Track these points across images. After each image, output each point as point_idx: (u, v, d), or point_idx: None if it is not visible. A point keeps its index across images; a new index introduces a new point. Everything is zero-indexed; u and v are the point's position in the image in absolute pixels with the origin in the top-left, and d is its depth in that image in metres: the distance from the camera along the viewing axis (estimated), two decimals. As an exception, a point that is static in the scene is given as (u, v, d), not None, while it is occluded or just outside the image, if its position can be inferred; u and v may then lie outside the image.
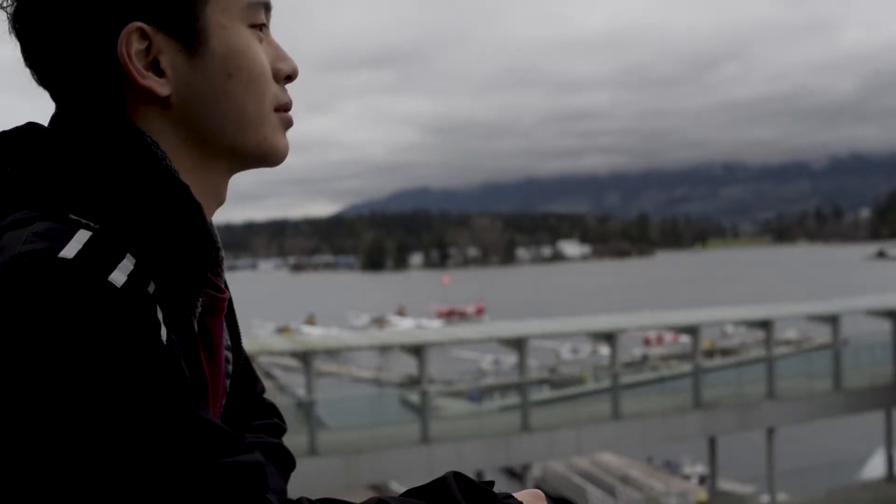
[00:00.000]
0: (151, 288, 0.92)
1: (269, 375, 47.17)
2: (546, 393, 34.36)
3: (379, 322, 75.59)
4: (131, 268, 0.90)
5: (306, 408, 24.37)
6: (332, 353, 38.27)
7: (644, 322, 33.26)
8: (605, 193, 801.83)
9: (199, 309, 1.03)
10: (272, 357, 42.75)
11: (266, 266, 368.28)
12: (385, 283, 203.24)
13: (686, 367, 31.44)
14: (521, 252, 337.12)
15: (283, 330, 66.95)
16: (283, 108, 1.10)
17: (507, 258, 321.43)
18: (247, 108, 1.05)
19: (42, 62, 1.02)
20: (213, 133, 1.06)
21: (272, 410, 1.43)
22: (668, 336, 50.95)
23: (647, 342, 53.18)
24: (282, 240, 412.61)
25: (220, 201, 1.14)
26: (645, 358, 48.50)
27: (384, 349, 36.62)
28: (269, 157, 1.11)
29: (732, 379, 30.39)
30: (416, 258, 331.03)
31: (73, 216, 0.91)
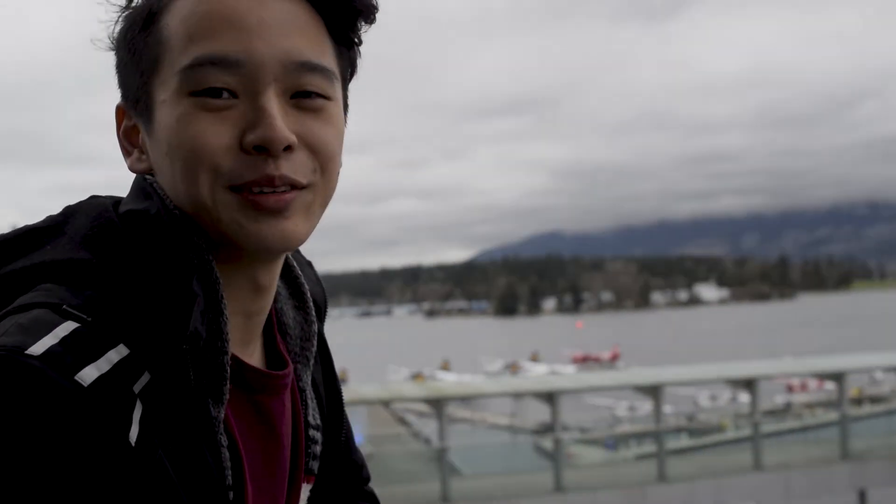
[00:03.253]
0: (145, 380, 0.88)
1: (402, 421, 47.42)
2: (684, 441, 33.44)
3: (512, 368, 75.18)
4: (116, 360, 0.85)
5: (439, 454, 24.35)
6: (466, 399, 38.29)
7: (786, 368, 32.14)
8: (743, 235, 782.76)
9: (227, 395, 0.96)
10: (405, 403, 43.03)
11: (400, 312, 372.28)
12: (518, 329, 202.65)
13: (832, 416, 30.16)
14: (657, 296, 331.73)
15: (416, 376, 67.33)
16: (253, 183, 0.94)
17: (642, 302, 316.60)
18: (183, 187, 0.96)
19: None
20: (179, 205, 0.99)
21: (372, 499, 1.39)
22: (813, 383, 49.07)
23: (790, 389, 51.38)
24: (416, 285, 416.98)
25: (246, 300, 1.04)
26: (788, 405, 46.77)
27: (518, 396, 36.38)
28: (238, 243, 0.97)
29: (884, 428, 28.99)
30: (550, 303, 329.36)
31: (66, 307, 0.87)
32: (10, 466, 0.77)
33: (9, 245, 0.96)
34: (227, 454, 0.95)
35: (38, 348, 0.81)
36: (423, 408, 45.30)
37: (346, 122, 1.06)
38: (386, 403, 43.49)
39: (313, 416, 1.15)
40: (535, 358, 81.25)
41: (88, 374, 0.82)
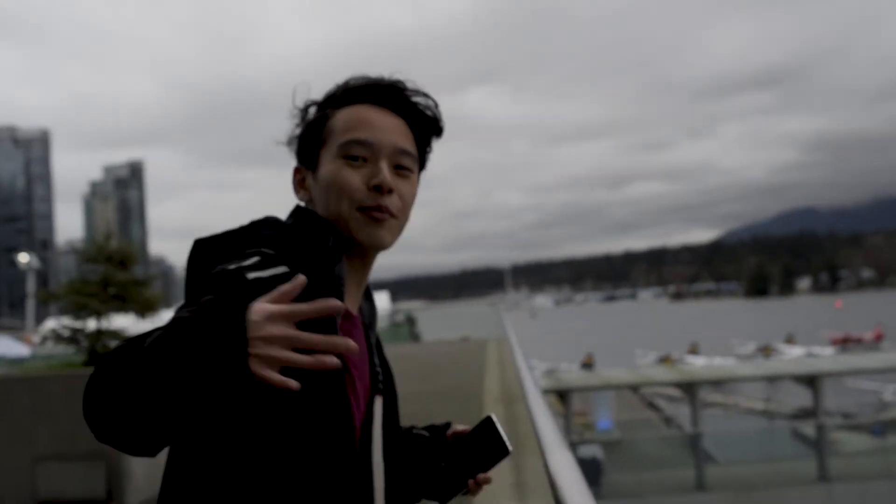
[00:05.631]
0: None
1: (652, 406, 46.52)
2: (963, 428, 30.81)
3: (765, 350, 72.11)
4: (276, 273, 1.51)
5: (693, 441, 23.63)
6: (718, 383, 37.07)
7: None
8: None
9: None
10: (655, 388, 42.16)
11: (645, 295, 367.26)
12: (770, 310, 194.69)
13: None
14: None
15: (664, 359, 65.88)
16: (372, 208, 1.69)
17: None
18: (333, 207, 1.71)
19: None
20: (325, 216, 1.72)
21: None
22: None
23: None
24: (661, 268, 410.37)
25: (356, 275, 1.76)
26: None
27: (773, 379, 34.82)
28: (357, 242, 1.71)
29: None
30: (804, 282, 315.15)
31: (264, 250, 1.57)
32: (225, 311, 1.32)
33: (240, 231, 1.67)
34: None
35: (233, 266, 1.50)
36: (673, 392, 44.26)
37: (417, 190, 1.84)
38: (634, 388, 42.88)
39: (377, 358, 1.81)
40: (790, 340, 77.51)
41: (252, 276, 1.47)
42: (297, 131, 1.86)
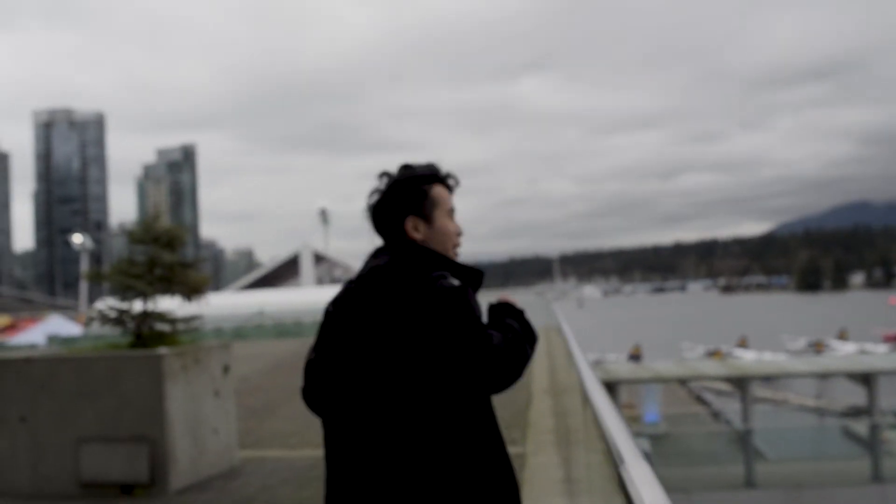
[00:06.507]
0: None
1: (700, 400, 45.98)
2: None
3: (817, 346, 71.04)
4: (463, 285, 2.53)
5: (742, 437, 23.23)
6: (769, 378, 36.48)
7: None
8: None
9: None
10: (703, 382, 41.63)
11: (695, 287, 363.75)
12: (822, 305, 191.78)
13: None
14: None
15: (713, 353, 65.07)
16: (457, 246, 2.74)
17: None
18: (445, 244, 2.69)
19: (380, 232, 2.74)
20: (437, 250, 2.67)
21: None
22: None
23: None
24: (711, 261, 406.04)
25: None
26: None
27: (826, 376, 34.22)
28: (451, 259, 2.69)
29: None
30: (857, 277, 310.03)
31: (447, 273, 2.53)
32: (468, 307, 2.45)
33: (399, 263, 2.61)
34: None
35: (454, 282, 2.49)
36: (722, 386, 43.67)
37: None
38: (682, 381, 42.38)
39: None
40: (843, 336, 76.18)
41: (469, 290, 2.53)
42: (376, 197, 2.77)
